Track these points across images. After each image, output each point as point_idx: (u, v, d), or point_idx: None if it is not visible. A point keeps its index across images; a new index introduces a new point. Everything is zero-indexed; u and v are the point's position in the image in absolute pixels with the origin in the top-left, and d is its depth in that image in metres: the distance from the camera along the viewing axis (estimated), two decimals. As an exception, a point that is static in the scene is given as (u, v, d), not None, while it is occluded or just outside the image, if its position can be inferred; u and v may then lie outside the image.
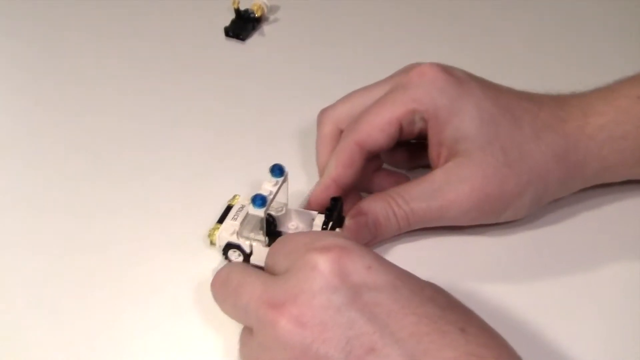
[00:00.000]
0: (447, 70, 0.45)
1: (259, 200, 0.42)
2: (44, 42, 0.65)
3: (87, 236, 0.47)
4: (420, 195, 0.45)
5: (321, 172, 0.48)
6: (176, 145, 0.54)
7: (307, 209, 0.46)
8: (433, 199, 0.44)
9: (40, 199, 0.50)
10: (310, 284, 0.34)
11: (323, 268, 0.34)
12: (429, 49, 0.63)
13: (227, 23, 0.66)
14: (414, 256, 0.46)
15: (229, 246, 0.44)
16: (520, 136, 0.44)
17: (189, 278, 0.45)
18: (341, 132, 0.47)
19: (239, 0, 0.65)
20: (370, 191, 0.49)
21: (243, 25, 0.65)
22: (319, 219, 0.44)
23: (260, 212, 0.42)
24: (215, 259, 0.46)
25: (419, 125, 0.45)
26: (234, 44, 0.65)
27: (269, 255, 0.40)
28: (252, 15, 0.65)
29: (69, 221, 0.48)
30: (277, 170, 0.44)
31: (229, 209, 0.46)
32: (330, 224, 0.44)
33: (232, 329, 0.42)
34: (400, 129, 0.45)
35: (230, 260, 0.45)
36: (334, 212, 0.44)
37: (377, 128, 0.45)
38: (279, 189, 0.44)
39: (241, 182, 0.49)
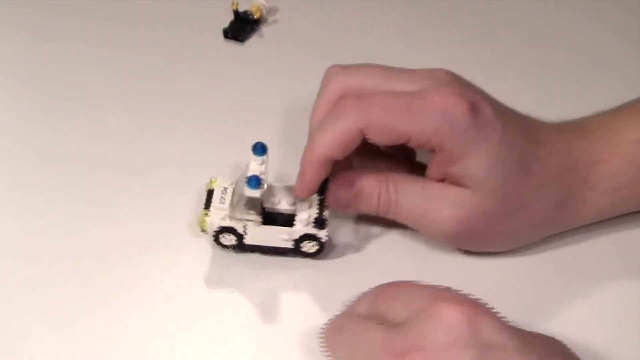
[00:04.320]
0: (474, 109, 0.42)
1: (254, 181, 0.42)
2: (42, 42, 0.65)
3: (84, 236, 0.47)
4: (411, 192, 0.44)
5: (313, 131, 0.46)
6: (175, 147, 0.54)
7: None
8: (420, 204, 0.44)
9: (38, 199, 0.50)
10: (439, 335, 0.33)
11: (454, 321, 0.33)
12: (429, 51, 0.63)
13: (226, 24, 0.65)
14: (405, 270, 0.46)
15: (221, 230, 0.44)
16: (525, 186, 0.44)
17: (183, 274, 0.45)
18: None
19: (237, 1, 0.65)
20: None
21: (242, 27, 0.65)
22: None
23: (257, 193, 0.42)
24: (214, 257, 0.46)
25: (422, 149, 0.44)
26: (232, 45, 0.65)
27: (377, 300, 0.38)
28: (251, 17, 0.65)
29: (67, 222, 0.49)
30: (260, 149, 0.44)
31: (210, 193, 0.45)
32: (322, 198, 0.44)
33: (233, 328, 0.42)
34: (404, 143, 0.43)
35: (222, 246, 0.45)
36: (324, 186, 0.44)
37: (386, 130, 0.43)
38: (266, 167, 0.44)
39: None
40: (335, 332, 0.38)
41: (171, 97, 0.59)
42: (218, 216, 0.44)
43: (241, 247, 0.45)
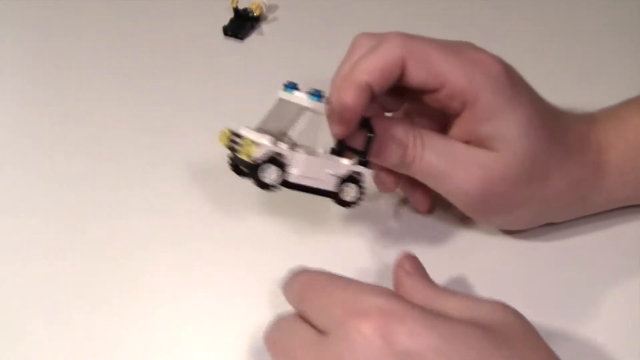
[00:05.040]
0: (509, 71, 0.43)
1: (317, 92, 0.39)
2: (43, 42, 0.65)
3: (87, 237, 0.48)
4: (438, 148, 0.43)
5: (336, 88, 0.43)
6: (175, 144, 0.55)
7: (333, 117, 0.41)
8: (445, 161, 0.43)
9: (38, 200, 0.50)
10: (351, 353, 0.32)
11: (365, 339, 0.32)
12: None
13: (226, 22, 0.66)
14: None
15: (266, 161, 0.38)
16: (550, 154, 0.44)
17: (191, 280, 0.45)
18: None
19: (237, -1, 0.65)
20: None
21: (242, 24, 0.65)
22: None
23: (320, 107, 0.39)
24: (213, 257, 0.46)
25: (452, 103, 0.43)
26: (232, 43, 0.65)
27: (301, 299, 0.37)
28: (250, 15, 0.66)
29: (69, 222, 0.49)
30: (293, 85, 0.41)
31: (236, 135, 0.40)
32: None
33: (236, 330, 0.42)
34: (437, 90, 0.42)
35: (262, 185, 0.39)
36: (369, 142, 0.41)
37: (426, 65, 0.42)
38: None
39: (240, 180, 0.49)
40: (272, 342, 0.37)
41: (171, 94, 0.59)
42: (265, 141, 0.38)
43: (282, 184, 0.40)
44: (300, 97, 0.40)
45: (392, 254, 0.42)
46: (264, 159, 0.38)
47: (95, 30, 0.66)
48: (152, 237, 0.47)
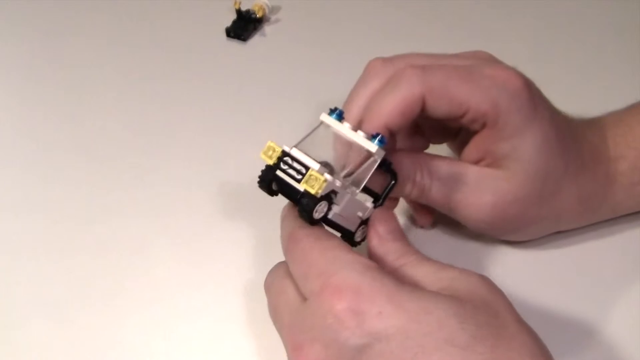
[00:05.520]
0: (529, 87, 0.42)
1: (381, 137, 0.37)
2: (44, 43, 0.65)
3: (87, 237, 0.47)
4: (446, 178, 0.42)
5: (353, 116, 0.42)
6: (177, 146, 0.54)
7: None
8: (455, 190, 0.43)
9: (38, 200, 0.50)
10: (324, 330, 0.33)
11: (335, 316, 0.33)
12: (431, 48, 0.63)
13: (229, 23, 0.66)
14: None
15: (323, 198, 0.36)
16: (562, 172, 0.43)
17: (191, 281, 0.45)
18: None
19: (240, 0, 0.65)
20: None
21: (244, 26, 0.65)
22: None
23: (382, 153, 0.37)
24: (214, 257, 0.46)
25: (473, 125, 0.42)
26: (235, 44, 0.65)
27: (285, 249, 0.37)
28: (253, 16, 0.66)
29: (69, 222, 0.48)
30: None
31: (287, 156, 0.37)
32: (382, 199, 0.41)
33: (237, 331, 0.42)
34: (460, 117, 0.41)
35: (310, 218, 0.37)
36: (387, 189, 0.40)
37: (447, 97, 0.40)
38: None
39: (241, 182, 0.49)
40: (267, 291, 0.38)
41: (173, 95, 0.59)
42: (329, 177, 0.36)
43: (321, 221, 0.38)
44: (359, 136, 0.38)
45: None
46: (324, 194, 0.36)
47: (96, 31, 0.66)
48: (152, 237, 0.47)
